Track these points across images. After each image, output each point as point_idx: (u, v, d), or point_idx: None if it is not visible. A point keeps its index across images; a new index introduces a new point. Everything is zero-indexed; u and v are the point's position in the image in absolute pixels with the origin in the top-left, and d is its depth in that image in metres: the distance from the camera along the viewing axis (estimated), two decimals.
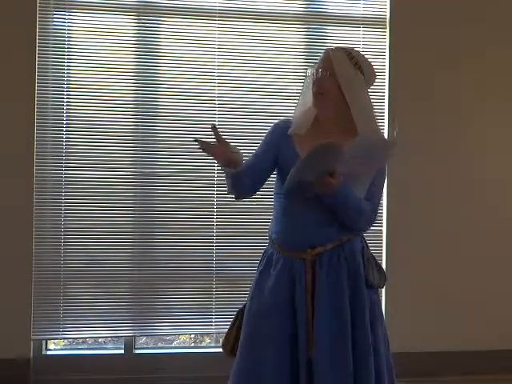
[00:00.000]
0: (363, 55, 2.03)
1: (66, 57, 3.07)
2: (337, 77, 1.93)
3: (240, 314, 2.05)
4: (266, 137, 2.07)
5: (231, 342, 2.03)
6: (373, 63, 3.28)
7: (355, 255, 1.95)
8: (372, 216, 1.99)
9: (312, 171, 1.76)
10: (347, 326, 1.88)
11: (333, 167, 1.77)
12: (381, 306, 2.05)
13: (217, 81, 3.17)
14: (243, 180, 1.96)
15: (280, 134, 2.03)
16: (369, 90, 2.07)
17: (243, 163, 1.93)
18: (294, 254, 1.94)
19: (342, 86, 1.93)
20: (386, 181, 3.24)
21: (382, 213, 3.28)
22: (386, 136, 2.03)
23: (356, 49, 3.21)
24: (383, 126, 3.27)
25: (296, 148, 1.98)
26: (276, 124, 2.08)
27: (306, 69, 2.05)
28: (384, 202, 3.27)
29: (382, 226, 3.29)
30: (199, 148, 1.83)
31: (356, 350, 1.89)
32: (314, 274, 1.92)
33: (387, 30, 3.28)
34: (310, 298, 1.90)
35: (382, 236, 3.29)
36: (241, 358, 1.95)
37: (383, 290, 3.22)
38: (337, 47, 2.02)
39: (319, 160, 1.74)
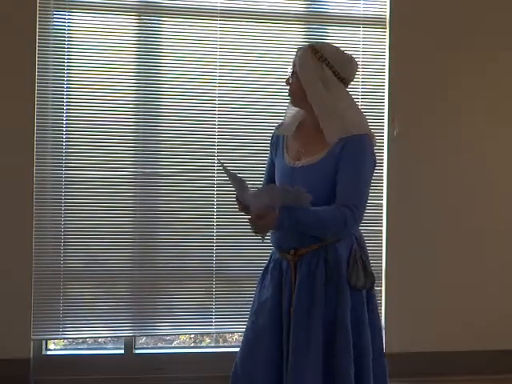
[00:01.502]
0: (335, 48, 1.97)
1: (66, 57, 3.06)
2: (296, 74, 1.96)
3: None
4: (269, 150, 2.15)
5: None
6: (373, 63, 3.33)
7: (339, 257, 1.92)
8: (350, 219, 1.86)
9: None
10: (319, 329, 1.87)
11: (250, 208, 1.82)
12: (374, 306, 2.00)
13: (218, 81, 3.16)
14: None
15: (275, 139, 2.11)
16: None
17: None
18: (282, 255, 1.99)
19: (302, 84, 1.94)
20: (385, 179, 3.27)
21: (382, 213, 3.28)
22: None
23: (356, 48, 3.27)
24: (383, 125, 3.27)
25: (284, 149, 2.03)
26: (273, 132, 2.15)
27: None
28: (384, 201, 3.27)
29: (381, 226, 3.28)
30: None
31: (335, 351, 1.87)
32: (296, 274, 1.94)
33: (387, 30, 3.28)
34: (293, 298, 1.92)
35: (381, 236, 3.28)
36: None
37: (383, 290, 3.22)
38: (308, 44, 2.01)
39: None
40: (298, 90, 1.96)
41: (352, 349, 1.87)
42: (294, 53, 2.00)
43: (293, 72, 1.97)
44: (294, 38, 3.23)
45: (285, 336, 1.92)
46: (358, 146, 1.89)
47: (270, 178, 2.10)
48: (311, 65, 1.92)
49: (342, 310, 1.88)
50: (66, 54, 3.06)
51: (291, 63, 1.99)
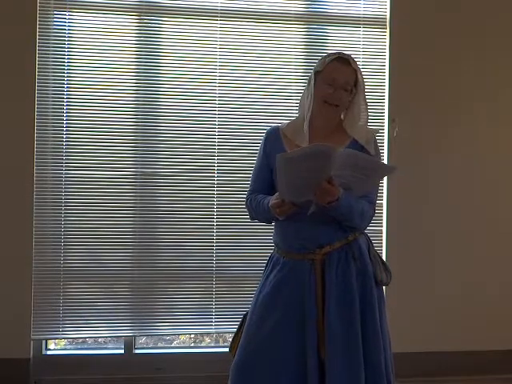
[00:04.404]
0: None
1: (67, 57, 3.06)
2: (356, 89, 1.98)
3: (244, 318, 2.06)
4: (259, 153, 2.11)
5: (238, 345, 2.03)
6: (373, 63, 3.34)
7: (363, 253, 1.98)
8: (372, 214, 2.02)
9: (303, 173, 1.76)
10: (358, 327, 1.90)
11: (326, 172, 1.76)
12: (385, 304, 2.06)
13: (218, 81, 3.17)
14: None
15: (270, 142, 2.07)
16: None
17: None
18: (302, 256, 1.95)
19: (361, 96, 2.00)
20: (386, 179, 3.28)
21: (382, 213, 3.28)
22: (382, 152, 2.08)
23: (357, 49, 3.28)
24: (383, 125, 3.27)
25: (286, 150, 1.99)
26: (265, 135, 2.11)
27: (310, 70, 2.05)
28: (384, 201, 3.27)
29: (381, 226, 3.29)
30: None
31: (367, 350, 1.90)
32: (323, 273, 1.93)
33: (387, 30, 3.28)
34: (320, 298, 1.91)
35: (381, 236, 3.28)
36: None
37: (384, 288, 3.22)
38: (348, 56, 2.01)
39: (310, 163, 1.74)
40: (347, 101, 2.00)
41: (381, 337, 1.94)
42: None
43: (351, 84, 1.98)
44: (294, 38, 3.23)
45: (310, 336, 1.89)
46: (378, 150, 2.05)
47: (263, 186, 2.06)
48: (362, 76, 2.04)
49: (373, 309, 1.94)
50: (66, 53, 3.06)
51: (346, 74, 1.96)
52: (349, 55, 2.01)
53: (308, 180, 1.77)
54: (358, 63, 2.01)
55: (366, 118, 2.04)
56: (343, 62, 1.97)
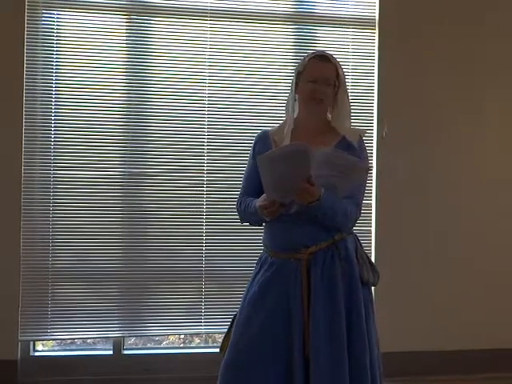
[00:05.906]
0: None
1: (55, 57, 3.04)
2: (339, 82, 2.00)
3: (234, 319, 2.06)
4: (249, 157, 2.14)
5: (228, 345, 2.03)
6: (362, 64, 3.36)
7: (349, 254, 1.98)
8: (358, 214, 2.02)
9: (282, 173, 1.78)
10: (343, 327, 1.90)
11: (305, 171, 1.78)
12: (373, 304, 2.07)
13: (207, 81, 3.16)
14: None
15: (260, 145, 2.09)
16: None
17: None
18: (288, 255, 1.97)
19: (343, 89, 2.02)
20: (374, 180, 3.30)
21: (371, 213, 3.29)
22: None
23: (345, 50, 3.29)
24: (372, 127, 3.28)
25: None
26: (255, 138, 2.14)
27: (294, 72, 2.07)
28: (373, 201, 3.29)
29: (370, 226, 3.30)
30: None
31: (352, 349, 1.91)
32: (308, 273, 1.94)
33: (376, 31, 3.29)
34: (306, 298, 1.92)
35: (371, 236, 3.30)
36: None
37: (372, 289, 3.22)
38: (327, 53, 2.05)
39: (289, 163, 1.76)
40: (331, 96, 2.02)
41: (366, 337, 1.94)
42: (328, 59, 2.01)
43: (332, 79, 2.00)
44: (283, 38, 3.24)
45: (296, 335, 1.91)
46: (365, 148, 2.06)
47: (254, 188, 2.05)
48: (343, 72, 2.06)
49: (359, 309, 1.94)
50: (54, 53, 3.04)
51: (327, 69, 1.99)
52: (328, 53, 2.05)
53: (289, 180, 1.80)
54: (346, 64, 2.04)
55: (349, 110, 2.06)
56: (322, 58, 2.00)
